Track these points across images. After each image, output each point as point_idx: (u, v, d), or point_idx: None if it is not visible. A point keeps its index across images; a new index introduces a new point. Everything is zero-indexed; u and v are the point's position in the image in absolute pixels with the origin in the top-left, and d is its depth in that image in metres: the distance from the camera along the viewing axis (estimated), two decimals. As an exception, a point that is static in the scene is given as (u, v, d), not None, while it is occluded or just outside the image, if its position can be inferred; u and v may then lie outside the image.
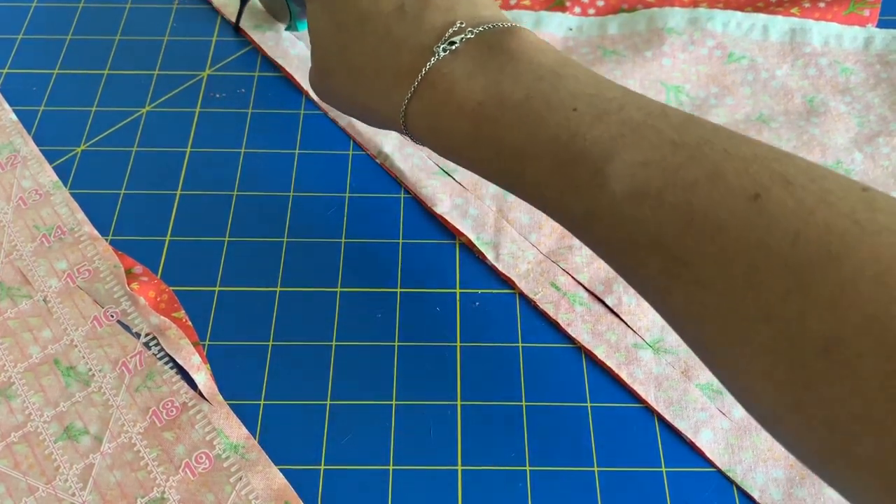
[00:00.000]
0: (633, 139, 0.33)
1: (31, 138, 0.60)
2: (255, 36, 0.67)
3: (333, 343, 0.51)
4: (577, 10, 0.69)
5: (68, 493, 0.44)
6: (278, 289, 0.53)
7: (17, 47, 0.66)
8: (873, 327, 0.25)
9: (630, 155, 0.33)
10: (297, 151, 0.60)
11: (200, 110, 0.62)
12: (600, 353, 0.50)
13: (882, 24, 0.67)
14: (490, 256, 0.54)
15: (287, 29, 0.65)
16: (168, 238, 0.55)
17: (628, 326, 0.51)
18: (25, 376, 0.48)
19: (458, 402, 0.49)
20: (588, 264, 0.54)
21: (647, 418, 0.48)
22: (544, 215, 0.55)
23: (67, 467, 0.45)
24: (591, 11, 0.69)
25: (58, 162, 0.59)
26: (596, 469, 0.46)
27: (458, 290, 0.53)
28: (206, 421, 0.47)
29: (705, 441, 0.47)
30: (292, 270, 0.54)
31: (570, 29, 0.68)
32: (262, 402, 0.48)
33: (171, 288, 0.53)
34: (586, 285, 0.53)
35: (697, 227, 0.30)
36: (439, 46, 0.40)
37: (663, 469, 0.46)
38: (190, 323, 0.51)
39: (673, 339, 0.51)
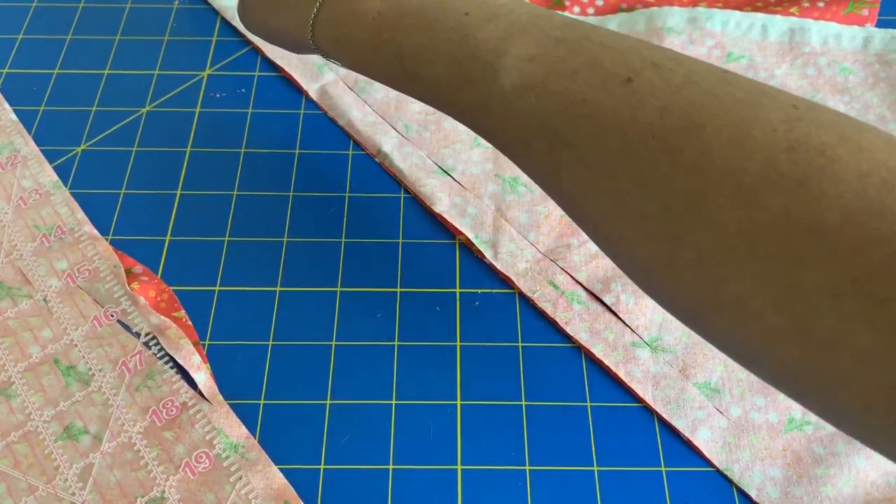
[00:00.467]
0: (520, 38, 0.37)
1: (31, 138, 0.60)
2: (254, 37, 0.67)
3: (333, 343, 0.51)
4: (577, 9, 0.69)
5: (68, 493, 0.44)
6: (278, 289, 0.53)
7: (17, 47, 0.66)
8: (729, 182, 0.29)
9: (518, 51, 0.36)
10: (297, 151, 0.60)
11: (200, 110, 0.62)
12: (598, 352, 0.50)
13: (881, 24, 0.67)
14: (489, 255, 0.54)
15: None
16: (168, 238, 0.55)
17: (626, 325, 0.51)
18: (25, 376, 0.48)
19: (458, 402, 0.49)
20: (586, 263, 0.54)
21: (646, 418, 0.48)
22: (543, 214, 0.56)
23: (67, 467, 0.45)
24: (591, 11, 0.69)
25: (58, 162, 0.59)
26: (595, 468, 0.47)
27: (457, 290, 0.53)
28: (206, 420, 0.47)
29: (703, 440, 0.47)
30: (292, 270, 0.54)
31: (570, 28, 0.68)
32: (262, 402, 0.48)
33: (171, 288, 0.53)
34: (584, 284, 0.53)
35: (577, 110, 0.34)
36: None
37: (663, 468, 0.47)
38: (190, 323, 0.51)
39: (671, 337, 0.51)
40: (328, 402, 0.49)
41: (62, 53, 0.66)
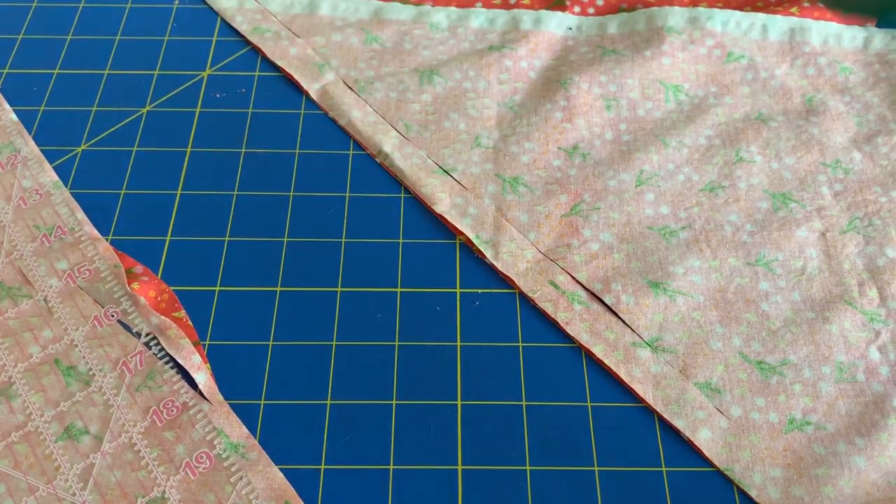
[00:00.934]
0: None
1: (31, 138, 0.60)
2: (254, 38, 0.67)
3: (333, 343, 0.51)
4: (577, 9, 0.69)
5: (69, 493, 0.44)
6: (278, 289, 0.53)
7: (17, 47, 0.66)
8: None
9: None
10: (297, 151, 0.60)
11: (200, 110, 0.62)
12: (598, 352, 0.50)
13: (881, 24, 0.67)
14: (489, 255, 0.54)
15: None
16: (168, 238, 0.55)
17: (626, 325, 0.51)
18: (26, 376, 0.48)
19: (458, 402, 0.49)
20: (587, 263, 0.54)
21: (646, 418, 0.48)
22: (543, 214, 0.56)
23: (68, 467, 0.45)
24: (591, 10, 0.69)
25: (58, 162, 0.59)
26: (596, 468, 0.47)
27: (458, 290, 0.53)
28: (207, 421, 0.47)
29: (703, 440, 0.47)
30: (292, 270, 0.54)
31: (570, 28, 0.68)
32: (262, 402, 0.48)
33: (171, 288, 0.53)
34: (585, 284, 0.53)
35: None
36: None
37: (663, 468, 0.47)
38: (190, 323, 0.51)
39: (671, 337, 0.51)
40: (328, 402, 0.49)
41: (62, 53, 0.66)
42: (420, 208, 0.57)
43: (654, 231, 0.56)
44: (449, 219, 0.56)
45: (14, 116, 0.61)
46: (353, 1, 0.70)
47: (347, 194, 0.58)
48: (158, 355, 0.49)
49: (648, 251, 0.55)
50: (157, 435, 0.46)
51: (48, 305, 0.51)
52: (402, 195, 0.58)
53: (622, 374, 0.49)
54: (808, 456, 0.46)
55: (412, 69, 0.65)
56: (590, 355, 0.51)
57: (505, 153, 0.60)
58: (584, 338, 0.51)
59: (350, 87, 0.64)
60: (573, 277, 0.53)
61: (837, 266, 0.54)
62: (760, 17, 0.66)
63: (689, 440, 0.47)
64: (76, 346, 0.50)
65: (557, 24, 0.68)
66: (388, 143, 0.60)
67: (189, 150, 0.60)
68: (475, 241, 0.55)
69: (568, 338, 0.51)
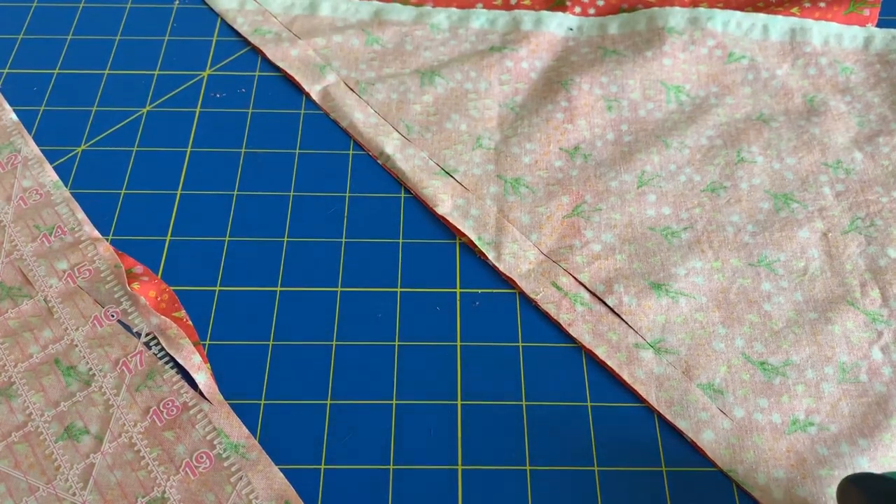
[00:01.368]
0: None
1: (31, 138, 0.60)
2: (255, 39, 0.67)
3: (333, 343, 0.51)
4: (578, 9, 0.69)
5: (69, 493, 0.44)
6: (278, 289, 0.53)
7: (17, 47, 0.66)
8: None
9: None
10: (297, 151, 0.60)
11: (200, 110, 0.62)
12: (601, 354, 0.50)
13: (882, 24, 0.67)
14: (491, 257, 0.54)
15: None
16: (168, 238, 0.55)
17: (629, 326, 0.51)
18: (26, 376, 0.48)
19: (458, 402, 0.49)
20: (589, 264, 0.54)
21: (646, 418, 0.48)
22: (545, 215, 0.56)
23: (68, 467, 0.45)
24: (592, 11, 0.69)
25: (58, 162, 0.59)
26: (596, 469, 0.46)
27: (458, 290, 0.53)
28: (207, 421, 0.47)
29: (707, 441, 0.47)
30: (292, 270, 0.54)
31: (571, 29, 0.68)
32: (262, 402, 0.48)
33: (171, 288, 0.53)
34: (587, 285, 0.53)
35: None
36: None
37: (663, 469, 0.46)
38: (190, 323, 0.51)
39: (674, 339, 0.51)
40: (328, 402, 0.48)
41: (62, 53, 0.66)
42: (420, 208, 0.57)
43: (655, 232, 0.55)
44: (451, 220, 0.56)
45: (14, 116, 0.61)
46: (353, 2, 0.70)
47: (347, 194, 0.58)
48: (158, 355, 0.49)
49: (650, 252, 0.54)
50: (158, 435, 0.46)
51: (48, 305, 0.51)
52: (403, 195, 0.58)
53: (625, 376, 0.49)
54: (811, 457, 0.46)
55: (413, 70, 0.65)
56: (591, 356, 0.50)
57: (506, 154, 0.60)
58: (586, 339, 0.51)
59: (351, 89, 0.64)
60: (575, 279, 0.53)
61: (839, 266, 0.54)
62: (761, 18, 0.66)
63: (693, 441, 0.47)
64: (76, 346, 0.49)
65: (558, 25, 0.68)
66: (390, 145, 0.60)
67: (189, 150, 0.60)
68: (477, 243, 0.55)
69: (568, 338, 0.51)
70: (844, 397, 0.48)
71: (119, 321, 0.51)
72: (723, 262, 0.54)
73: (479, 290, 0.53)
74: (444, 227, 0.56)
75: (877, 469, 0.46)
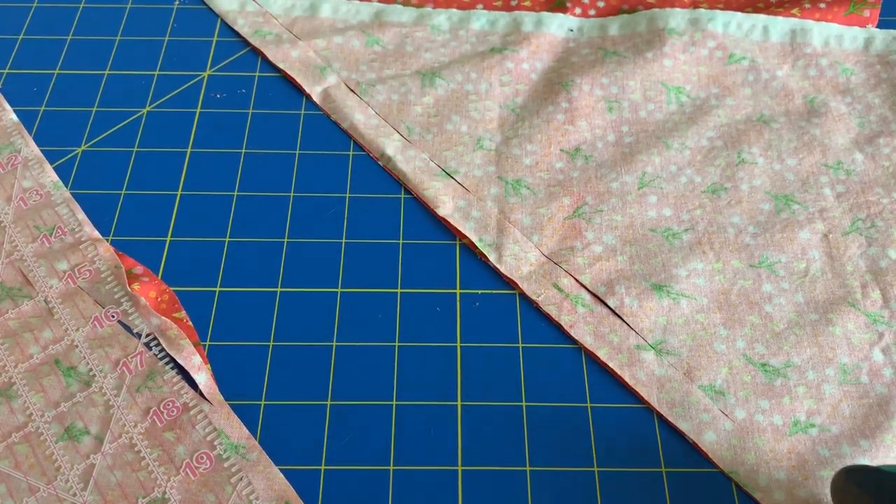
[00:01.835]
0: None
1: (31, 139, 0.60)
2: (256, 41, 0.67)
3: (333, 343, 0.51)
4: (578, 10, 0.69)
5: (69, 494, 0.44)
6: (278, 289, 0.53)
7: (17, 47, 0.66)
8: None
9: None
10: (297, 151, 0.60)
11: (200, 110, 0.62)
12: (603, 355, 0.50)
13: (882, 25, 0.67)
14: (492, 258, 0.54)
15: None
16: (168, 238, 0.55)
17: (630, 328, 0.51)
18: (26, 377, 0.48)
19: (458, 402, 0.49)
20: (590, 265, 0.54)
21: (646, 418, 0.48)
22: (546, 216, 0.56)
23: (68, 467, 0.45)
24: (592, 12, 0.69)
25: (58, 162, 0.59)
26: (596, 469, 0.46)
27: (458, 291, 0.53)
28: (207, 421, 0.47)
29: (708, 442, 0.47)
30: (292, 270, 0.54)
31: (571, 30, 0.68)
32: (262, 402, 0.48)
33: (171, 288, 0.53)
34: (588, 287, 0.53)
35: None
36: None
37: (663, 469, 0.46)
38: (190, 323, 0.51)
39: (675, 340, 0.51)
40: (329, 402, 0.48)
41: (62, 53, 0.66)
42: (420, 209, 0.57)
43: (657, 233, 0.55)
44: (452, 222, 0.56)
45: (14, 117, 0.61)
46: (354, 3, 0.70)
47: (347, 195, 0.58)
48: (159, 356, 0.49)
49: (651, 253, 0.54)
50: (158, 435, 0.46)
51: (48, 306, 0.51)
52: (403, 196, 0.58)
53: (626, 378, 0.49)
54: (812, 458, 0.46)
55: (414, 71, 0.65)
56: (592, 357, 0.50)
57: (507, 155, 0.60)
58: (588, 341, 0.51)
59: (352, 90, 0.64)
60: (577, 280, 0.53)
61: (840, 268, 0.54)
62: (761, 19, 0.66)
63: (694, 443, 0.47)
64: (76, 346, 0.49)
65: (559, 26, 0.68)
66: (391, 147, 0.60)
67: (189, 150, 0.60)
68: (478, 245, 0.55)
69: (568, 339, 0.51)
70: (845, 399, 0.48)
71: (119, 322, 0.51)
72: (724, 264, 0.54)
73: (480, 291, 0.53)
74: (445, 228, 0.56)
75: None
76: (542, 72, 0.65)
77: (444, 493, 0.45)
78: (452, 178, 0.58)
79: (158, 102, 0.63)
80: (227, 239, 0.55)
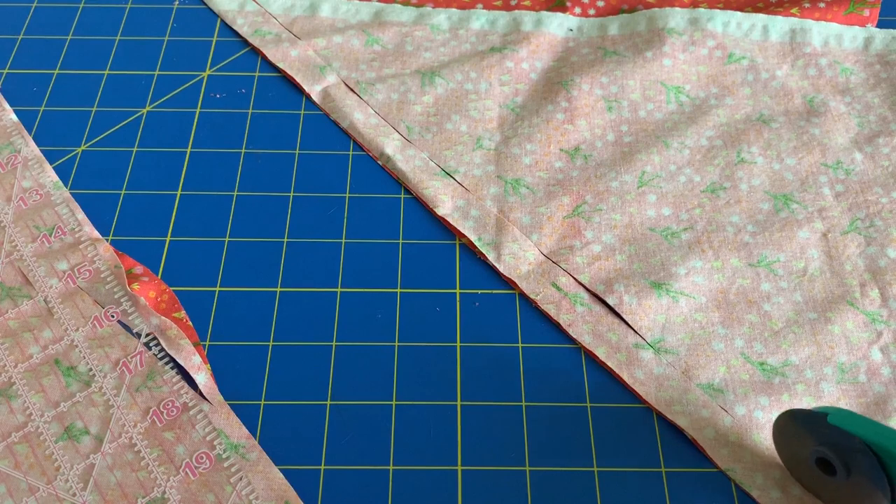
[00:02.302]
0: None
1: (31, 138, 0.60)
2: (255, 40, 0.67)
3: (333, 343, 0.51)
4: (578, 10, 0.69)
5: (69, 493, 0.44)
6: (278, 289, 0.53)
7: (17, 47, 0.66)
8: None
9: None
10: (297, 151, 0.60)
11: (200, 110, 0.62)
12: (601, 354, 0.50)
13: (882, 24, 0.67)
14: (491, 257, 0.54)
15: None
16: (168, 238, 0.55)
17: (629, 326, 0.51)
18: (26, 376, 0.48)
19: (458, 402, 0.49)
20: (589, 265, 0.54)
21: (646, 418, 0.48)
22: (545, 216, 0.56)
23: (68, 467, 0.45)
24: (592, 12, 0.69)
25: (58, 162, 0.59)
26: (596, 469, 0.46)
27: (458, 291, 0.53)
28: (207, 421, 0.47)
29: (706, 440, 0.47)
30: (292, 270, 0.54)
31: (571, 29, 0.68)
32: (262, 402, 0.48)
33: (171, 288, 0.53)
34: (587, 286, 0.53)
35: None
36: None
37: (662, 469, 0.46)
38: (190, 323, 0.51)
39: (673, 339, 0.51)
40: (328, 402, 0.48)
41: (62, 53, 0.66)
42: (420, 209, 0.57)
43: (656, 233, 0.55)
44: (451, 221, 0.56)
45: (14, 117, 0.61)
46: (353, 3, 0.70)
47: (347, 195, 0.58)
48: (158, 356, 0.49)
49: (651, 252, 0.54)
50: (158, 435, 0.46)
51: (48, 306, 0.51)
52: (402, 196, 0.58)
53: (625, 377, 0.49)
54: (809, 457, 0.46)
55: (413, 71, 0.65)
56: (591, 356, 0.51)
57: (507, 155, 0.60)
58: (586, 340, 0.51)
59: (351, 89, 0.64)
60: (575, 279, 0.53)
61: (839, 267, 0.54)
62: (761, 18, 0.66)
63: (692, 440, 0.47)
64: (76, 346, 0.49)
65: (558, 26, 0.68)
66: (391, 146, 0.60)
67: (189, 150, 0.60)
68: (477, 244, 0.55)
69: (568, 338, 0.51)
70: (843, 397, 0.48)
71: (119, 322, 0.51)
72: (723, 262, 0.54)
73: (479, 291, 0.53)
74: (444, 228, 0.56)
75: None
76: (541, 71, 0.65)
77: (444, 493, 0.46)
78: (452, 177, 0.58)
79: (158, 102, 0.63)
80: (227, 239, 0.55)
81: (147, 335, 0.50)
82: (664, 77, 0.64)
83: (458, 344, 0.51)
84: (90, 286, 0.52)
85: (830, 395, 0.48)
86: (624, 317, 0.51)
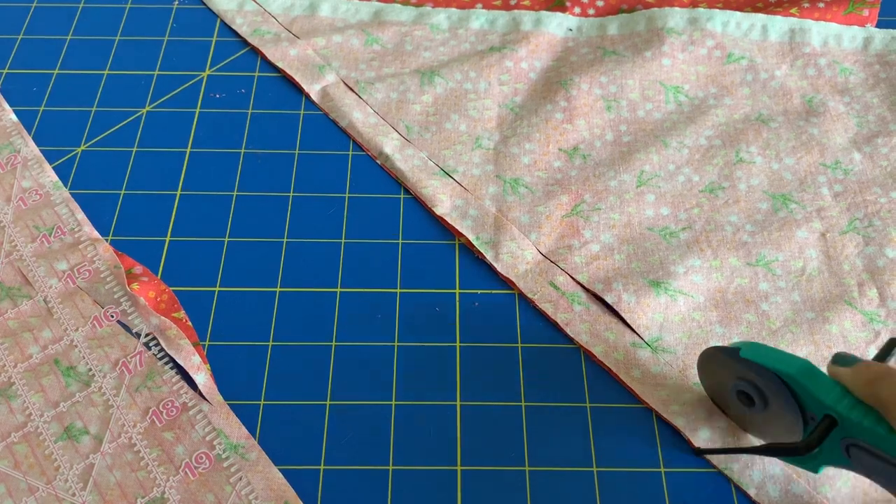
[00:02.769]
0: None
1: (31, 138, 0.60)
2: (254, 40, 0.67)
3: (333, 343, 0.51)
4: (577, 10, 0.69)
5: (68, 493, 0.44)
6: (278, 289, 0.53)
7: (17, 47, 0.66)
8: None
9: None
10: (297, 151, 0.60)
11: (200, 110, 0.62)
12: (598, 353, 0.50)
13: (881, 24, 0.67)
14: (489, 256, 0.54)
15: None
16: (168, 238, 0.55)
17: (627, 325, 0.51)
18: (26, 376, 0.48)
19: (458, 402, 0.49)
20: (588, 264, 0.54)
21: (646, 418, 0.48)
22: (544, 215, 0.56)
23: (67, 467, 0.45)
24: (591, 11, 0.69)
25: (58, 162, 0.59)
26: (595, 469, 0.47)
27: (457, 290, 0.53)
28: (206, 421, 0.47)
29: (702, 439, 0.47)
30: (292, 270, 0.54)
31: (570, 29, 0.68)
32: (262, 402, 0.48)
33: (171, 288, 0.53)
34: (585, 285, 0.53)
35: None
36: None
37: (661, 469, 0.47)
38: (190, 323, 0.51)
39: (671, 338, 0.51)
40: (328, 402, 0.49)
41: (62, 53, 0.66)
42: (420, 209, 0.57)
43: (654, 232, 0.56)
44: (450, 221, 0.56)
45: (14, 117, 0.61)
46: (353, 2, 0.70)
47: (347, 194, 0.58)
48: (158, 356, 0.49)
49: (649, 252, 0.55)
50: (157, 435, 0.46)
51: (48, 306, 0.51)
52: (402, 196, 0.58)
53: (622, 375, 0.49)
54: (808, 456, 0.46)
55: (413, 70, 0.65)
56: (589, 356, 0.51)
57: (506, 154, 0.60)
58: (584, 339, 0.51)
59: (351, 89, 0.64)
60: (573, 279, 0.53)
61: (837, 266, 0.54)
62: (760, 18, 0.66)
63: (688, 440, 0.47)
64: (76, 346, 0.50)
65: (558, 26, 0.68)
66: (389, 145, 0.60)
67: (189, 150, 0.60)
68: (475, 243, 0.55)
69: (567, 338, 0.51)
70: (842, 398, 0.49)
71: (119, 321, 0.51)
72: (721, 262, 0.54)
73: (479, 291, 0.53)
74: (444, 228, 0.56)
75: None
76: (540, 71, 0.66)
77: (444, 493, 0.46)
78: (451, 176, 0.59)
79: (158, 102, 0.63)
80: (227, 239, 0.55)
81: (147, 335, 0.50)
82: (663, 77, 0.64)
83: (458, 344, 0.51)
84: (90, 286, 0.52)
85: (828, 395, 0.48)
86: (622, 315, 0.51)
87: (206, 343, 0.51)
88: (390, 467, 0.46)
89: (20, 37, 0.67)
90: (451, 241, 0.56)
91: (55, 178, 0.58)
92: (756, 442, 0.47)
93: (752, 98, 0.63)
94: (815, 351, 0.50)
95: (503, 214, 0.56)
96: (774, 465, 0.46)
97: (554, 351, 0.51)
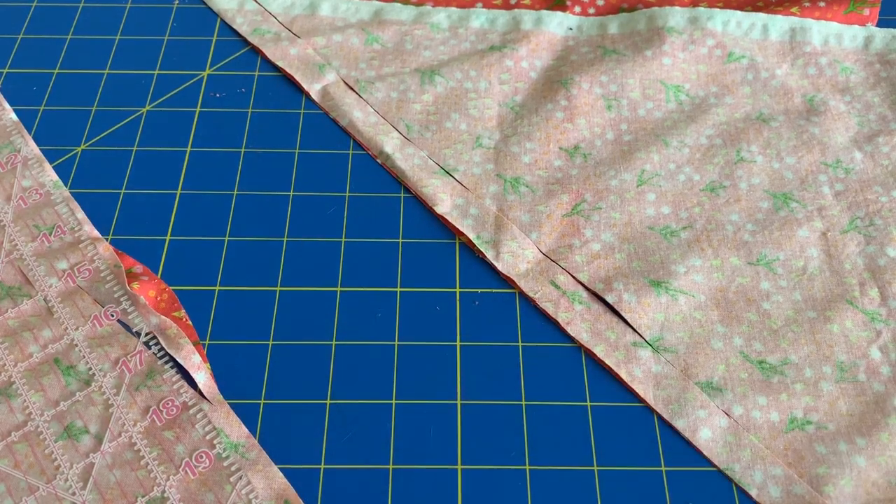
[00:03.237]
0: None
1: (31, 138, 0.60)
2: (254, 39, 0.67)
3: (333, 343, 0.51)
4: (578, 9, 0.69)
5: (68, 493, 0.44)
6: (278, 289, 0.53)
7: (17, 47, 0.66)
8: None
9: None
10: (297, 151, 0.60)
11: (200, 110, 0.62)
12: (599, 352, 0.50)
13: (881, 24, 0.67)
14: (490, 255, 0.54)
15: None
16: (168, 238, 0.55)
17: (628, 325, 0.51)
18: (26, 376, 0.48)
19: (458, 402, 0.49)
20: (588, 263, 0.54)
21: (646, 418, 0.48)
22: (545, 214, 0.56)
23: (67, 466, 0.45)
24: (592, 11, 0.69)
25: (58, 162, 0.59)
26: (595, 468, 0.46)
27: (457, 290, 0.53)
28: (207, 420, 0.47)
29: (704, 439, 0.47)
30: (292, 269, 0.54)
31: (571, 28, 0.68)
32: (262, 402, 0.48)
33: (171, 287, 0.53)
34: (586, 284, 0.53)
35: None
36: None
37: (662, 468, 0.46)
38: (190, 322, 0.51)
39: (672, 337, 0.51)
40: (328, 402, 0.48)
41: (62, 53, 0.66)
42: (420, 208, 0.57)
43: (655, 231, 0.55)
44: (450, 220, 0.56)
45: (14, 116, 0.61)
46: (353, 2, 0.70)
47: (347, 194, 0.58)
48: (158, 355, 0.49)
49: (650, 251, 0.54)
50: (157, 434, 0.46)
51: (48, 305, 0.51)
52: (402, 195, 0.58)
53: (623, 375, 0.49)
54: (809, 455, 0.46)
55: (413, 69, 0.65)
56: (590, 355, 0.51)
57: (506, 153, 0.60)
58: (584, 338, 0.51)
59: (351, 88, 0.64)
60: (574, 277, 0.53)
61: (838, 266, 0.54)
62: (761, 17, 0.66)
63: (690, 440, 0.47)
64: (76, 345, 0.50)
65: (558, 25, 0.68)
66: (390, 144, 0.60)
67: (189, 150, 0.60)
68: (476, 242, 0.55)
69: (568, 338, 0.51)
70: (843, 396, 0.48)
71: (119, 321, 0.51)
72: (722, 261, 0.54)
73: (479, 290, 0.53)
74: (444, 227, 0.56)
75: (874, 468, 0.46)
76: (541, 70, 0.65)
77: (444, 492, 0.46)
78: (451, 175, 0.58)
79: (158, 102, 0.63)
80: (227, 238, 0.55)
81: (147, 334, 0.50)
82: (664, 76, 0.64)
83: (458, 343, 0.51)
84: (90, 285, 0.52)
85: (829, 395, 0.48)
86: (623, 315, 0.51)
87: (207, 342, 0.51)
88: (390, 466, 0.46)
89: (20, 36, 0.67)
90: (452, 241, 0.56)
91: (55, 177, 0.58)
92: None
93: (753, 97, 0.63)
94: (817, 350, 0.50)
95: (504, 213, 0.56)
96: (776, 467, 0.46)
97: (555, 350, 0.51)
